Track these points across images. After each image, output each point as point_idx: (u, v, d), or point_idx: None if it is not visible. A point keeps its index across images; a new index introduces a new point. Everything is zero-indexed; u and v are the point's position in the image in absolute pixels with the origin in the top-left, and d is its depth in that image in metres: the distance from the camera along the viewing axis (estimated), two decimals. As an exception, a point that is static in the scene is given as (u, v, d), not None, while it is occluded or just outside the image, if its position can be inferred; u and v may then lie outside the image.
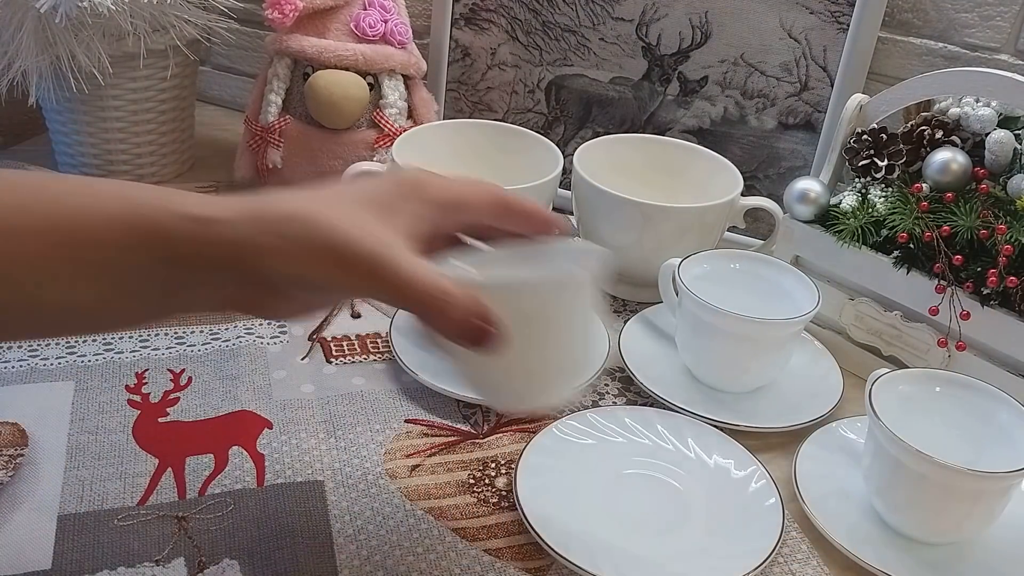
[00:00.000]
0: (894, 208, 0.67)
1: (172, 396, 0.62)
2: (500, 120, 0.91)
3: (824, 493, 0.57)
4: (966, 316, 0.63)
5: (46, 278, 0.39)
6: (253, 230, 0.39)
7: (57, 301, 0.40)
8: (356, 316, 0.73)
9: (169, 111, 0.88)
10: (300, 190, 0.41)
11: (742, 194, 0.76)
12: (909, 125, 0.69)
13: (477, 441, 0.61)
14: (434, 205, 0.43)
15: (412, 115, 0.84)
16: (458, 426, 0.62)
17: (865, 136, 0.69)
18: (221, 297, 0.42)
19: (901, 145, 0.68)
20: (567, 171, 0.78)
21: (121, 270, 0.40)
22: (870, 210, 0.68)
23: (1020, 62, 0.79)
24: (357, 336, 0.70)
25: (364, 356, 0.68)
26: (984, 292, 0.63)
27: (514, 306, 0.40)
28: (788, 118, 0.85)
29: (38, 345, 0.65)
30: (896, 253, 0.67)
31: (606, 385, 0.67)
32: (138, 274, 0.40)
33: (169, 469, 0.56)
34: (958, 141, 0.68)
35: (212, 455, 0.57)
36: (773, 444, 0.62)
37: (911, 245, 0.65)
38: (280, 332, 0.69)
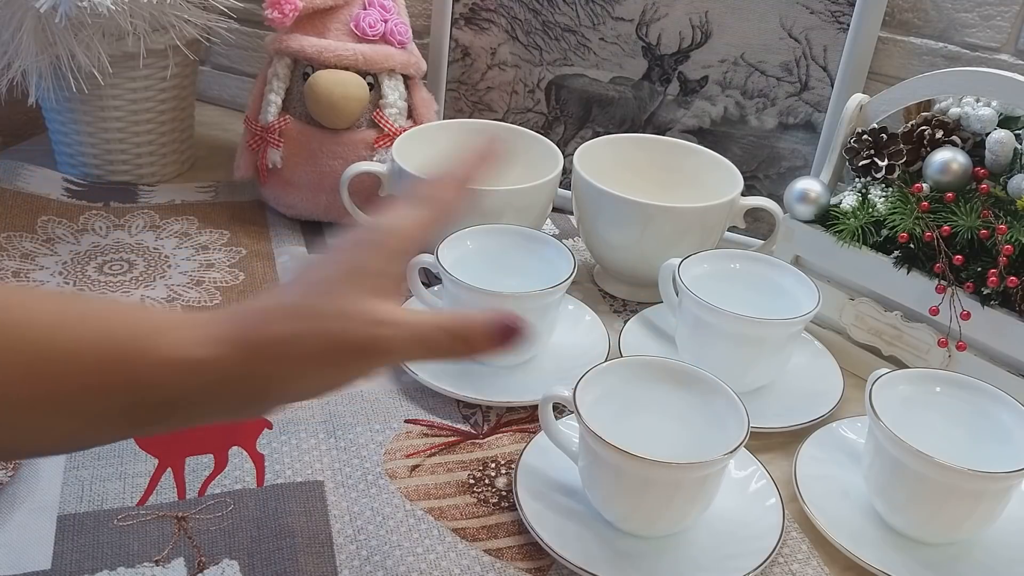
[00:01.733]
0: (894, 208, 0.67)
1: (172, 396, 0.62)
2: (500, 120, 0.91)
3: (824, 493, 0.57)
4: (966, 316, 0.63)
5: (21, 416, 0.35)
6: (248, 366, 0.36)
7: (26, 438, 0.36)
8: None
9: (169, 111, 0.88)
10: (264, 295, 0.39)
11: (742, 194, 0.76)
12: (909, 125, 0.69)
13: (477, 441, 0.61)
14: (385, 260, 0.39)
15: (412, 115, 0.84)
16: (458, 426, 0.62)
17: (865, 136, 0.69)
18: (202, 421, 0.39)
19: (901, 145, 0.68)
20: (567, 171, 0.78)
21: (92, 414, 0.35)
22: (870, 210, 0.68)
23: (1020, 62, 0.79)
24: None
25: (364, 356, 0.68)
26: (984, 292, 0.62)
27: (665, 479, 0.49)
28: (788, 118, 0.85)
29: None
30: (896, 253, 0.67)
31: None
32: (108, 419, 0.36)
33: (169, 469, 0.56)
34: (958, 141, 0.68)
35: (212, 455, 0.57)
36: (773, 444, 0.62)
37: (911, 245, 0.65)
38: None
